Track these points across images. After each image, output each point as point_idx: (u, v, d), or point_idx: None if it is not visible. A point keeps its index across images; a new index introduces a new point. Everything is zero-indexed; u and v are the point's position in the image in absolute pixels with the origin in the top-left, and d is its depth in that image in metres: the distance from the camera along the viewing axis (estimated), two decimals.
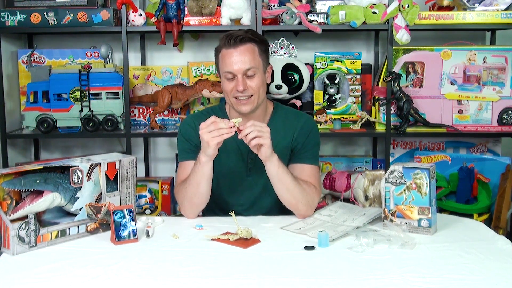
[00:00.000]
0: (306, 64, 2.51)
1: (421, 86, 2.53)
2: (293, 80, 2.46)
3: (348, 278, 1.33)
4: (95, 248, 1.52)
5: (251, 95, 1.77)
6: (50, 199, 1.54)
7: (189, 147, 1.85)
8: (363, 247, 1.50)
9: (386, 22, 2.41)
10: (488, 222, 2.28)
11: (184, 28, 2.45)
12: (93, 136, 2.55)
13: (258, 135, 1.65)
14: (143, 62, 2.79)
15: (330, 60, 2.56)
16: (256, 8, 2.42)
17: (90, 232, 1.61)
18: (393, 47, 2.48)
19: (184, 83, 2.66)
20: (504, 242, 1.55)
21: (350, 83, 2.57)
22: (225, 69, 1.77)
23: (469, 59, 2.51)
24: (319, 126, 2.46)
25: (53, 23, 2.43)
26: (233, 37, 1.77)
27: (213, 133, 1.64)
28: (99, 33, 2.62)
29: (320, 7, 2.48)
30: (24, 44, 2.75)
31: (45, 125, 2.49)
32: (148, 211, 2.62)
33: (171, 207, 2.65)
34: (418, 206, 1.61)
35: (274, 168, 1.72)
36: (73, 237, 1.57)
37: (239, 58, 1.76)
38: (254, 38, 1.80)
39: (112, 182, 1.65)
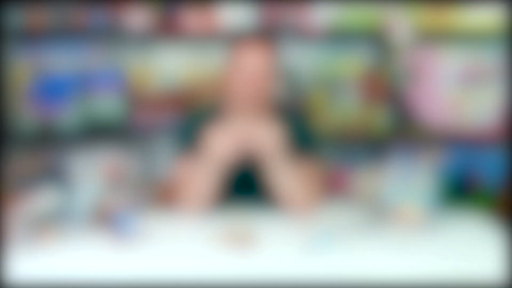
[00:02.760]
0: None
1: (421, 86, 2.54)
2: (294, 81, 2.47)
3: (348, 278, 1.33)
4: (95, 247, 1.52)
5: (257, 97, 1.77)
6: (50, 199, 1.54)
7: (187, 145, 1.86)
8: (362, 247, 1.50)
9: (386, 23, 2.41)
10: (488, 222, 2.27)
11: (184, 29, 2.45)
12: (93, 136, 2.55)
13: (259, 144, 1.67)
14: (144, 62, 2.79)
15: (330, 62, 2.57)
16: (256, 9, 2.43)
17: (90, 231, 1.61)
18: (393, 48, 2.48)
19: (185, 85, 2.66)
20: (504, 241, 1.55)
21: (350, 84, 2.57)
22: (241, 65, 1.76)
23: (470, 58, 2.52)
24: (319, 127, 2.46)
25: (53, 22, 2.43)
26: (258, 36, 1.79)
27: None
28: (100, 33, 2.62)
29: (320, 8, 2.49)
30: (24, 43, 2.74)
31: (45, 125, 2.49)
32: (147, 211, 2.62)
33: (170, 207, 2.65)
34: (418, 205, 1.62)
35: (274, 170, 1.73)
36: (73, 236, 1.57)
37: (259, 59, 1.75)
38: (274, 44, 1.80)
39: (112, 182, 1.65)
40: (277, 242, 1.54)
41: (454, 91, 2.53)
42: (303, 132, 1.88)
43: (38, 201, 1.52)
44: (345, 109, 2.57)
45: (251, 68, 1.75)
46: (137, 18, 2.46)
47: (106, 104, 2.51)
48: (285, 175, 1.76)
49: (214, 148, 1.75)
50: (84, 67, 2.51)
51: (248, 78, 1.75)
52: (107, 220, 1.62)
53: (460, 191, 2.45)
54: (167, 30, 2.45)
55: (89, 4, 2.48)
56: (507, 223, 2.29)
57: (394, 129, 2.50)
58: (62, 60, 2.63)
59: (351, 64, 2.57)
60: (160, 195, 2.65)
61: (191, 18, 2.49)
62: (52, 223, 1.54)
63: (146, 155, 2.86)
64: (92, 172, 1.60)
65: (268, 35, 1.83)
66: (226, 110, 1.88)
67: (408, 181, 1.63)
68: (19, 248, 1.46)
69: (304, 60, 2.58)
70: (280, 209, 1.80)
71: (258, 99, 1.78)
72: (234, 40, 1.82)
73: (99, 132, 2.51)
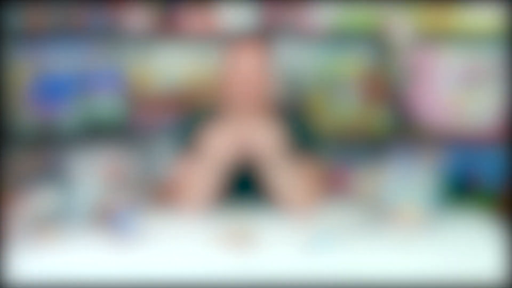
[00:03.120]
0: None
1: (420, 86, 2.54)
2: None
3: (348, 278, 1.33)
4: (95, 247, 1.52)
5: (254, 98, 1.78)
6: (50, 198, 1.54)
7: (187, 145, 1.86)
8: (362, 247, 1.50)
9: (386, 23, 2.41)
10: (488, 222, 2.28)
11: (184, 29, 2.46)
12: (93, 136, 2.55)
13: (258, 144, 1.67)
14: (144, 62, 2.79)
15: (330, 62, 2.57)
16: (256, 9, 2.43)
17: (90, 231, 1.61)
18: (393, 48, 2.48)
19: (185, 85, 2.66)
20: (504, 241, 1.55)
21: (350, 84, 2.58)
22: (238, 65, 1.76)
23: (469, 58, 2.52)
24: (319, 127, 2.46)
25: (53, 23, 2.44)
26: (255, 36, 1.78)
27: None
28: (100, 33, 2.62)
29: (320, 8, 2.49)
30: (24, 43, 2.74)
31: (45, 125, 2.49)
32: (147, 211, 2.62)
33: (170, 207, 2.65)
34: (418, 205, 1.62)
35: (274, 170, 1.73)
36: (73, 236, 1.57)
37: (255, 59, 1.75)
38: (271, 44, 1.80)
39: (112, 181, 1.65)
40: (277, 242, 1.54)
41: (454, 91, 2.53)
42: (303, 132, 1.88)
43: (38, 201, 1.52)
44: (345, 109, 2.57)
45: (248, 69, 1.76)
46: (137, 18, 2.47)
47: (106, 104, 2.51)
48: (285, 175, 1.76)
49: (213, 147, 1.75)
50: (84, 67, 2.51)
51: (245, 78, 1.76)
52: (107, 219, 1.62)
53: (460, 191, 2.45)
54: (167, 30, 2.46)
55: (89, 4, 2.48)
56: (507, 223, 2.29)
57: (394, 129, 2.51)
58: (62, 60, 2.63)
59: (351, 64, 2.57)
60: (160, 195, 2.65)
61: (191, 18, 2.49)
62: (52, 223, 1.54)
63: (146, 155, 2.86)
64: (92, 172, 1.60)
65: (265, 35, 1.83)
66: (225, 110, 1.88)
67: (408, 181, 1.63)
68: (20, 247, 1.46)
69: (304, 60, 2.58)
70: (280, 209, 1.80)
71: (256, 99, 1.78)
72: (231, 40, 1.82)
73: (99, 132, 2.51)
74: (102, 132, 2.52)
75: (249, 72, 1.76)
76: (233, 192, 1.87)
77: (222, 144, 1.76)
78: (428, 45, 2.56)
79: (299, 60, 2.54)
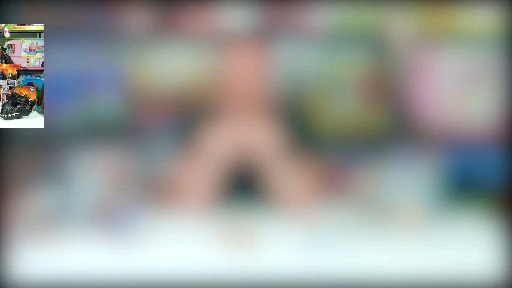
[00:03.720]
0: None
1: (420, 86, 2.54)
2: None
3: (348, 278, 1.33)
4: (95, 247, 1.52)
5: (254, 98, 1.78)
6: (50, 198, 1.55)
7: (186, 144, 1.86)
8: (362, 247, 1.50)
9: (386, 23, 2.41)
10: (488, 222, 2.28)
11: (184, 29, 2.46)
12: (93, 136, 2.55)
13: (257, 143, 1.68)
14: (144, 62, 2.78)
15: (330, 62, 2.57)
16: (256, 9, 2.43)
17: (90, 231, 1.61)
18: (393, 48, 2.48)
19: (185, 84, 2.66)
20: (504, 241, 1.55)
21: (350, 84, 2.58)
22: (236, 65, 1.76)
23: (469, 59, 2.52)
24: (319, 127, 2.46)
25: (53, 22, 2.44)
26: (253, 36, 1.77)
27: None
28: (100, 33, 2.62)
29: (320, 9, 2.49)
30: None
31: (45, 124, 2.49)
32: (147, 210, 2.62)
33: (170, 206, 2.65)
34: (418, 205, 1.62)
35: (274, 169, 1.73)
36: (73, 236, 1.57)
37: (253, 59, 1.75)
38: (269, 44, 1.80)
39: (113, 181, 1.65)
40: (277, 242, 1.54)
41: (454, 91, 2.53)
42: (303, 132, 1.88)
43: (38, 201, 1.52)
44: (345, 109, 2.57)
45: (247, 69, 1.76)
46: (137, 18, 2.46)
47: (106, 104, 2.51)
48: (285, 174, 1.76)
49: (212, 147, 1.75)
50: (84, 67, 2.51)
51: (245, 78, 1.76)
52: (107, 219, 1.62)
53: (460, 191, 2.44)
54: (167, 30, 2.45)
55: (89, 4, 2.48)
56: (507, 223, 2.29)
57: (394, 129, 2.50)
58: (62, 60, 2.62)
59: (351, 64, 2.57)
60: (160, 195, 2.64)
61: (191, 18, 2.49)
62: (52, 223, 1.54)
63: (146, 155, 2.85)
64: (92, 172, 1.61)
65: (264, 35, 1.83)
66: (225, 110, 1.88)
67: (408, 181, 1.63)
68: (20, 247, 1.46)
69: (304, 61, 2.57)
70: (280, 209, 1.80)
71: (256, 99, 1.79)
72: (230, 40, 1.82)
73: (99, 132, 2.51)
74: (102, 132, 2.52)
75: (249, 72, 1.76)
76: (233, 192, 1.87)
77: (221, 144, 1.76)
78: (428, 45, 2.55)
79: (299, 61, 2.53)
